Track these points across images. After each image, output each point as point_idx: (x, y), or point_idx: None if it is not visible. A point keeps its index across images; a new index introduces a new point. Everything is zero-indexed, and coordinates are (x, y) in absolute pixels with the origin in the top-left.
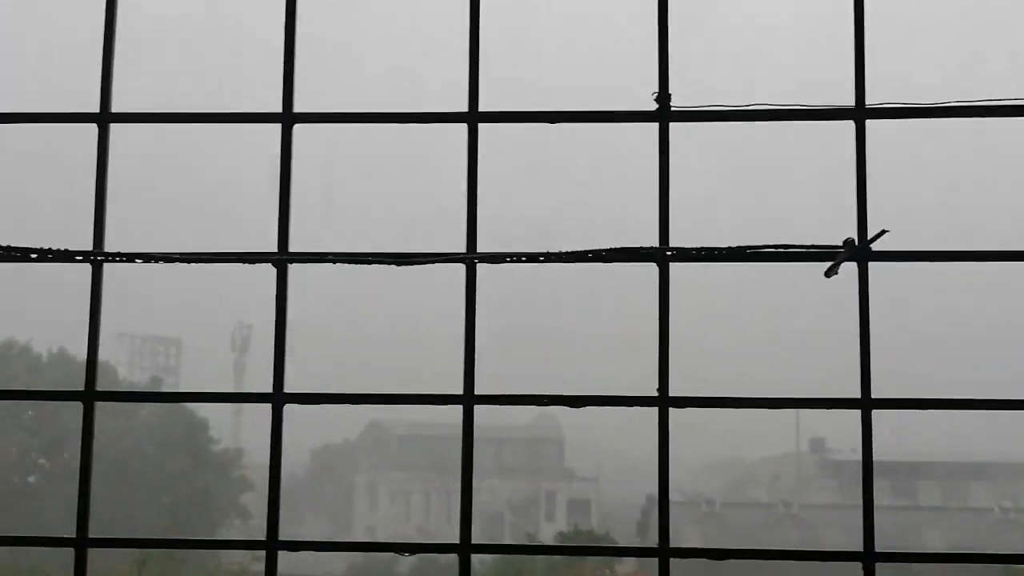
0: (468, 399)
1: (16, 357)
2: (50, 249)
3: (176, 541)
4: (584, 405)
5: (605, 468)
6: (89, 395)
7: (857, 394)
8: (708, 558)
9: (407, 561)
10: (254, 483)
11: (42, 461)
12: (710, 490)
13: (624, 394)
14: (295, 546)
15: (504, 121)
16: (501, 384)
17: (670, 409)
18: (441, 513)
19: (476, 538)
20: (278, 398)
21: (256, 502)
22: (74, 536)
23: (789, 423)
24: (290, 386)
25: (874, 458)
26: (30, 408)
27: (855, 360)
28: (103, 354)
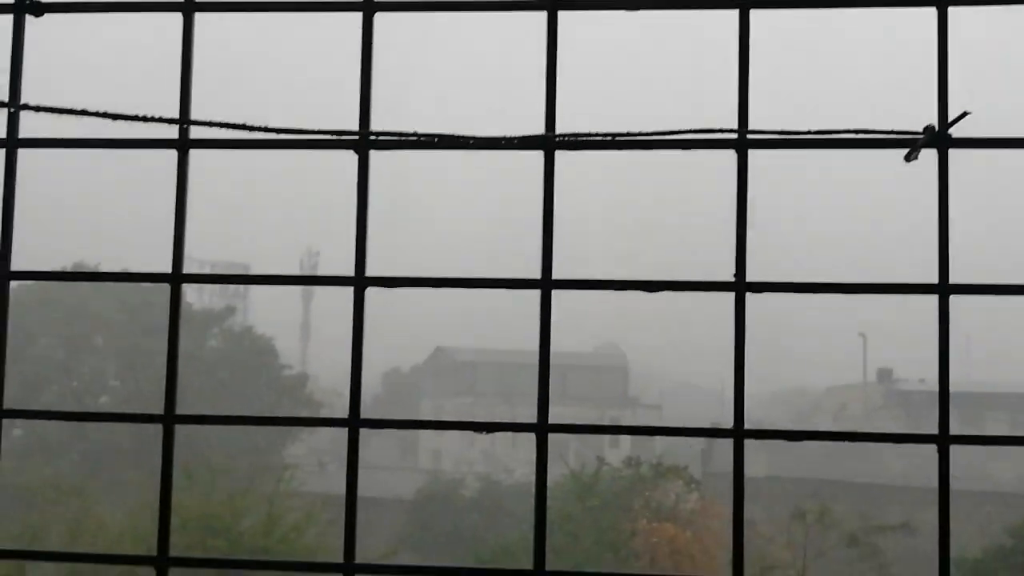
0: (546, 283)
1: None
2: (143, 116)
3: (259, 419)
4: (659, 290)
5: (669, 397)
6: (176, 277)
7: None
8: (783, 439)
9: (472, 486)
10: (322, 403)
11: (114, 383)
12: (775, 420)
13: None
14: (375, 424)
15: (583, 8)
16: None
17: (747, 296)
18: (506, 438)
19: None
20: (360, 281)
21: None
22: (162, 413)
23: (856, 352)
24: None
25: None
26: (101, 331)
27: (932, 251)
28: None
